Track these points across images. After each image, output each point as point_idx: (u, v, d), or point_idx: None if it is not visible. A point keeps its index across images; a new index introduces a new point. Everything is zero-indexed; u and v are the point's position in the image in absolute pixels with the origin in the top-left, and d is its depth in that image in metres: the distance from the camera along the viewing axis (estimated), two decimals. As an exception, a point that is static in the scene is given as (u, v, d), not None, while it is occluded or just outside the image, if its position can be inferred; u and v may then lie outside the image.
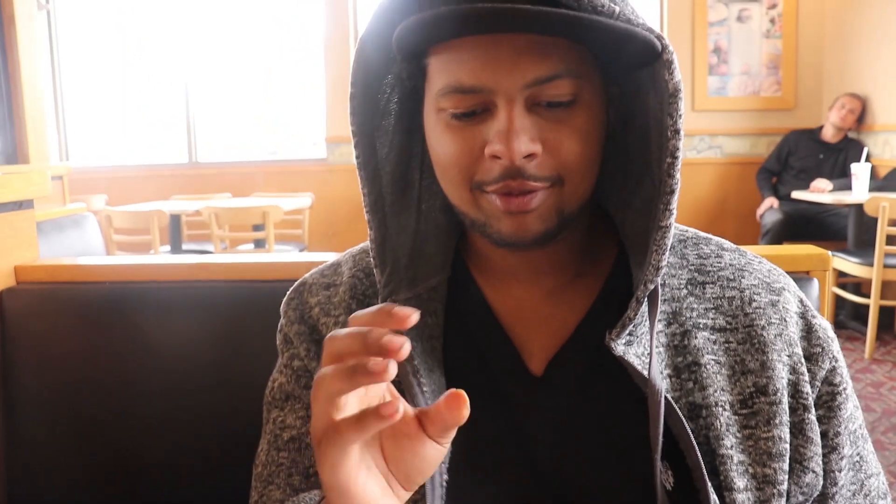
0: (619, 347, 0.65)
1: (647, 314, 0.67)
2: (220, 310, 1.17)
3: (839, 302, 4.34)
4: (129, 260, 1.26)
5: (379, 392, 0.54)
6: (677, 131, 0.62)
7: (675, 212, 0.64)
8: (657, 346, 0.67)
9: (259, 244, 4.43)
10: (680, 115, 0.62)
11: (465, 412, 0.52)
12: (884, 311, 3.96)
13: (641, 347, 0.66)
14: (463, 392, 0.52)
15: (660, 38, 0.61)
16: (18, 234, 1.28)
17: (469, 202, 0.67)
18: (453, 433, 0.54)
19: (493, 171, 0.63)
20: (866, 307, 3.91)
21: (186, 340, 1.17)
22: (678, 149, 0.62)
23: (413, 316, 0.49)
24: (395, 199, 0.73)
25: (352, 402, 0.51)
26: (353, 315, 0.51)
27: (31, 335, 1.21)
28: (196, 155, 6.00)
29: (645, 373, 0.64)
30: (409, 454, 0.53)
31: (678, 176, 0.63)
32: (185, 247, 4.72)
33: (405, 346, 0.48)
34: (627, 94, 0.70)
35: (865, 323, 3.91)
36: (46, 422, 1.20)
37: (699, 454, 0.63)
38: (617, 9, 0.60)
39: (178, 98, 5.96)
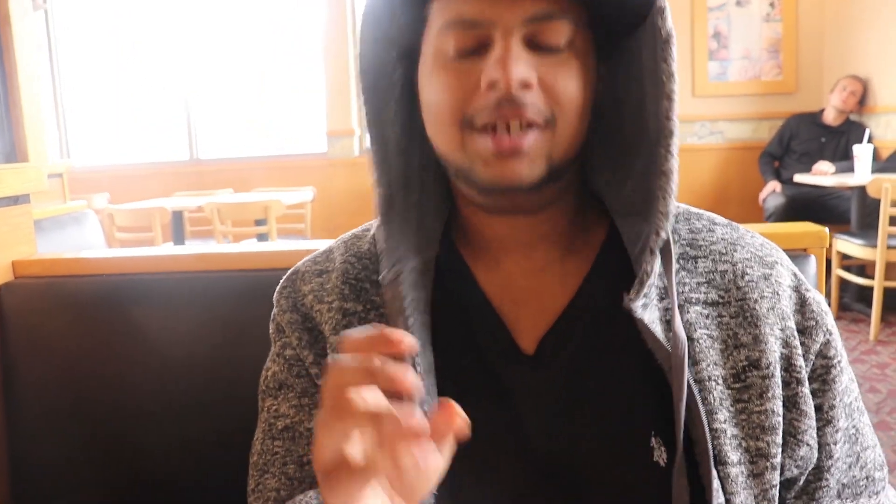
0: (638, 310, 0.64)
1: (657, 272, 0.67)
2: (219, 300, 1.17)
3: (843, 284, 4.33)
4: (127, 252, 1.26)
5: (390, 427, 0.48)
6: (671, 74, 0.63)
7: (676, 155, 0.64)
8: (654, 320, 0.66)
9: (262, 239, 4.43)
10: (673, 60, 0.63)
11: (460, 421, 0.49)
12: (888, 293, 3.95)
13: (653, 314, 0.66)
14: (453, 402, 0.49)
15: None
16: (15, 229, 1.29)
17: (457, 143, 0.66)
18: (451, 442, 0.51)
19: (488, 102, 0.63)
20: (871, 289, 3.90)
21: (186, 331, 1.17)
22: (674, 91, 0.63)
23: (412, 343, 0.47)
24: (398, 165, 0.73)
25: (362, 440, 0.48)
26: (347, 335, 0.47)
27: (29, 330, 1.21)
28: (197, 151, 6.01)
29: (661, 336, 0.64)
30: (410, 468, 0.49)
31: (676, 119, 0.64)
32: (188, 243, 4.73)
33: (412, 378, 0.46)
34: (619, 69, 0.70)
35: (870, 305, 3.90)
36: (47, 415, 1.20)
37: (706, 426, 0.63)
38: None
39: (178, 95, 5.96)
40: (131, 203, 4.56)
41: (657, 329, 0.65)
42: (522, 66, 0.62)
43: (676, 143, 0.64)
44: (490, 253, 0.74)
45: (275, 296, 0.80)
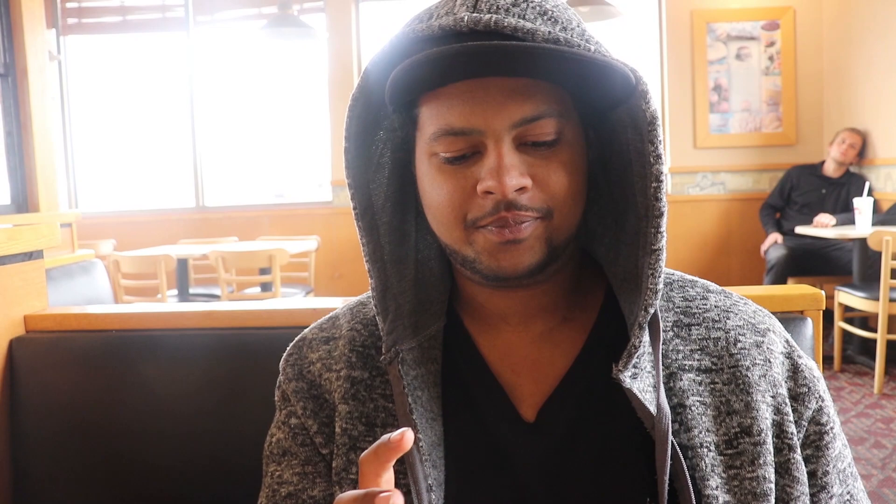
0: (626, 380, 0.66)
1: (648, 343, 0.69)
2: (225, 357, 1.19)
3: (847, 337, 4.32)
4: (135, 308, 1.28)
5: None
6: (659, 156, 0.64)
7: (665, 235, 0.66)
8: (646, 388, 0.68)
9: (266, 287, 4.45)
10: (660, 141, 0.64)
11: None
12: (892, 346, 3.94)
13: (644, 382, 0.67)
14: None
15: (634, 70, 0.64)
16: (28, 284, 1.31)
17: (462, 240, 0.69)
18: None
19: (485, 207, 0.66)
20: (874, 341, 3.89)
21: (192, 387, 1.18)
22: (662, 172, 0.65)
23: (408, 435, 0.50)
24: (392, 249, 0.75)
25: None
26: (360, 459, 0.52)
27: (40, 383, 1.23)
28: (203, 199, 6.07)
29: (651, 406, 0.65)
30: None
31: (665, 199, 0.65)
32: (192, 291, 4.75)
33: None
34: (604, 137, 0.73)
35: (874, 357, 3.90)
36: (55, 469, 1.21)
37: (692, 493, 0.65)
38: (592, 47, 0.64)
39: (186, 143, 6.05)
40: (137, 250, 4.59)
41: (648, 398, 0.67)
42: (516, 174, 0.65)
43: (665, 223, 0.66)
44: (490, 323, 0.76)
45: (281, 363, 0.82)
